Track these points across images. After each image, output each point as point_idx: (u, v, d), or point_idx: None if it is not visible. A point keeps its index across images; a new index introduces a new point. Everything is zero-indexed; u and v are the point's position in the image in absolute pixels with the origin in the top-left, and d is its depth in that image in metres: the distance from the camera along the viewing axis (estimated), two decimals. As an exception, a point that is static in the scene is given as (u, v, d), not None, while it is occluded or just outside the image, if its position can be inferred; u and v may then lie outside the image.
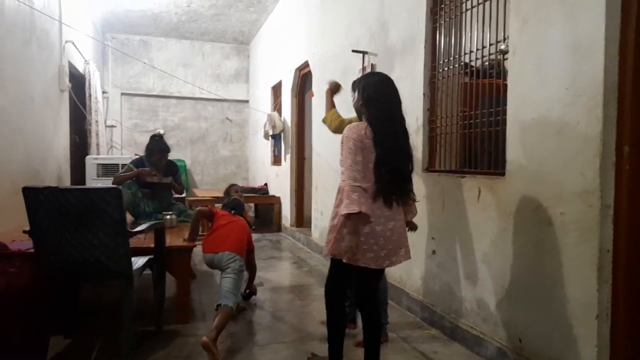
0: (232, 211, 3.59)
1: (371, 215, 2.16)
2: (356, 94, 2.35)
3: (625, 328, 2.04)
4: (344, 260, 2.21)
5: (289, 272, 5.03)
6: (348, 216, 2.09)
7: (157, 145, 4.18)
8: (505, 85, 2.69)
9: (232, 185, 4.15)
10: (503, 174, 2.65)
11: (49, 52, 5.14)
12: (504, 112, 2.67)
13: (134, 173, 4.00)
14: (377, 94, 2.26)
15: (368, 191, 2.17)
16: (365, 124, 2.22)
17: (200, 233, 3.47)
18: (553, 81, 2.29)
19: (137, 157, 4.40)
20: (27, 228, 2.52)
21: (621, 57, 2.03)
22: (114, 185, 3.47)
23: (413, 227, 2.58)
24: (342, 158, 2.19)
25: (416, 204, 2.49)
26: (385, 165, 2.18)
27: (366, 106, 2.27)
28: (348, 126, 2.23)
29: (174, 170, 4.32)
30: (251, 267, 3.82)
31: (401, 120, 2.32)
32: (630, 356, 2.04)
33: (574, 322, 2.17)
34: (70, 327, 2.96)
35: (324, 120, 3.38)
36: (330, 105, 3.34)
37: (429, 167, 3.47)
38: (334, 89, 3.37)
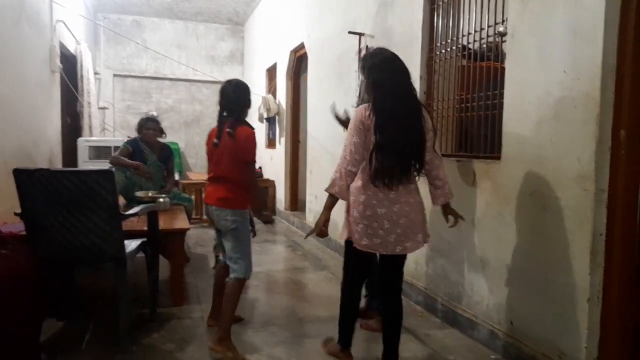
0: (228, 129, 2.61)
1: (373, 197, 2.15)
2: (362, 75, 2.28)
3: (615, 311, 2.06)
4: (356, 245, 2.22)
5: (284, 256, 5.04)
6: (331, 196, 2.19)
7: (146, 118, 4.31)
8: (503, 69, 2.67)
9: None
10: (499, 158, 2.65)
11: (39, 31, 5.04)
12: (501, 96, 2.65)
13: (132, 164, 4.00)
14: (380, 75, 2.17)
15: (365, 172, 2.16)
16: (369, 106, 2.16)
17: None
18: (552, 64, 2.27)
19: (132, 138, 4.38)
20: (19, 211, 2.49)
21: (620, 41, 2.01)
22: (107, 168, 3.44)
23: (450, 212, 2.42)
24: (344, 147, 2.19)
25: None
26: (385, 150, 2.11)
27: (371, 88, 2.19)
28: (358, 106, 2.23)
29: (168, 154, 4.32)
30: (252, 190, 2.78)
31: (410, 100, 2.20)
32: (620, 338, 2.07)
33: (565, 305, 2.19)
34: (64, 311, 2.96)
35: None
36: None
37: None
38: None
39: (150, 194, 3.78)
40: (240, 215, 2.64)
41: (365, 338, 2.79)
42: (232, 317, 2.64)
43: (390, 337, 2.29)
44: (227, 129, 2.58)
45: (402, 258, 2.29)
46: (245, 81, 2.80)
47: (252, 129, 2.65)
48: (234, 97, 2.65)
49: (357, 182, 2.19)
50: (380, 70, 2.17)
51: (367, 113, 2.14)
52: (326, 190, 2.18)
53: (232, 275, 2.62)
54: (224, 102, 2.68)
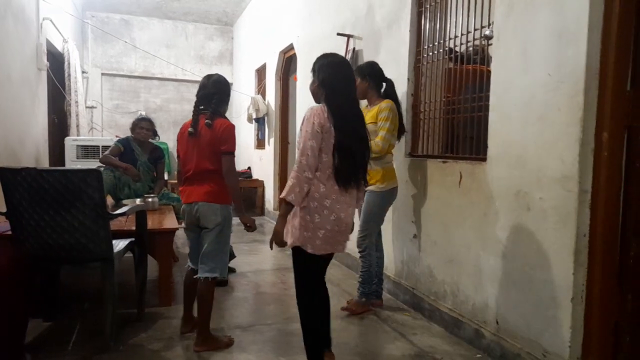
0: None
1: (336, 202, 2.12)
2: (313, 76, 2.26)
3: (598, 310, 2.10)
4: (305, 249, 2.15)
5: (272, 255, 5.04)
6: (284, 200, 2.07)
7: (140, 118, 4.29)
8: (489, 72, 2.70)
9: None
10: (484, 160, 2.68)
11: (25, 29, 4.99)
12: (487, 98, 2.69)
13: (122, 166, 3.99)
14: (335, 76, 2.17)
15: (328, 176, 2.11)
16: (325, 107, 2.11)
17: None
18: (536, 67, 2.31)
19: (123, 137, 4.37)
20: (4, 210, 2.47)
21: (603, 45, 2.05)
22: (95, 167, 3.43)
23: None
24: (298, 140, 2.13)
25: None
26: (346, 150, 2.10)
27: (323, 88, 2.17)
28: (310, 107, 2.14)
29: (159, 155, 4.32)
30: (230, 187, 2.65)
31: (357, 104, 2.25)
32: (603, 337, 2.10)
33: (550, 304, 2.23)
34: (50, 311, 2.94)
35: (389, 151, 3.14)
36: None
37: (412, 152, 3.48)
38: None
39: (137, 202, 3.73)
40: (228, 211, 2.62)
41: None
42: (209, 318, 2.62)
43: (328, 320, 2.33)
44: (206, 120, 2.55)
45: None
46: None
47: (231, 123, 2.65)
48: (213, 90, 2.63)
49: (319, 187, 2.10)
50: (333, 71, 2.18)
51: (326, 115, 2.09)
52: (283, 197, 2.07)
53: (206, 274, 2.55)
54: (201, 94, 2.65)
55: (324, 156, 2.10)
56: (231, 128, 2.60)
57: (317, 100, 2.25)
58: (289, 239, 2.17)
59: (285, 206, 2.10)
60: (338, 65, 2.22)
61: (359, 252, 3.22)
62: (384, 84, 3.22)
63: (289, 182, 2.08)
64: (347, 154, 2.11)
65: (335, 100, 2.13)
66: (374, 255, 3.24)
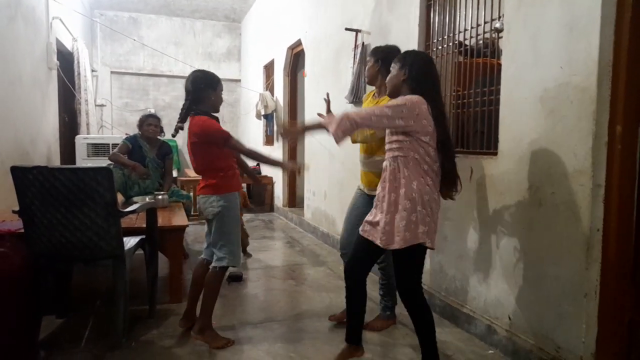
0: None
1: (435, 192, 2.14)
2: (399, 68, 2.20)
3: (612, 306, 2.07)
4: (427, 244, 2.11)
5: (282, 252, 5.05)
6: (343, 124, 2.07)
7: (148, 114, 4.32)
8: (499, 65, 2.67)
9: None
10: (495, 154, 2.65)
11: (35, 29, 5.03)
12: (498, 92, 2.66)
13: (130, 164, 4.01)
14: (431, 72, 2.19)
15: (434, 172, 2.12)
16: (423, 99, 2.08)
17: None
18: (548, 60, 2.28)
19: (131, 135, 4.39)
20: (17, 208, 2.49)
21: (616, 37, 2.01)
22: (105, 165, 3.45)
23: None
24: (379, 110, 2.07)
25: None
26: (450, 145, 2.15)
27: (417, 82, 2.13)
28: (407, 96, 2.10)
29: (167, 151, 4.33)
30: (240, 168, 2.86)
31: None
32: (617, 333, 2.08)
33: (562, 300, 2.20)
34: (63, 308, 2.97)
35: (357, 140, 2.83)
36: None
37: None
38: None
39: (147, 199, 3.75)
40: (226, 200, 2.59)
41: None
42: (212, 309, 2.65)
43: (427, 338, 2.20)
44: (177, 123, 2.66)
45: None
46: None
47: (211, 117, 2.62)
48: (190, 89, 2.64)
49: (427, 180, 2.09)
50: (430, 67, 2.19)
51: (426, 106, 2.06)
52: (333, 130, 2.07)
53: (214, 264, 2.60)
54: (185, 94, 2.68)
55: (431, 150, 2.09)
56: (201, 123, 2.56)
57: (395, 94, 2.21)
58: (397, 240, 2.09)
59: (318, 129, 2.19)
60: (431, 62, 2.25)
61: (377, 262, 2.82)
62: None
63: (346, 123, 2.05)
64: (451, 150, 2.15)
65: (435, 95, 2.14)
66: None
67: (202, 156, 2.63)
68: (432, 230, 2.12)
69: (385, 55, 2.72)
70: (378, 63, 2.76)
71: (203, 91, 2.63)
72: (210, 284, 2.61)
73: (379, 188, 2.25)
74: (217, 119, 2.68)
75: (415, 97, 2.08)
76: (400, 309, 2.46)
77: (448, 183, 2.17)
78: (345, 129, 2.07)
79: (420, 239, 2.08)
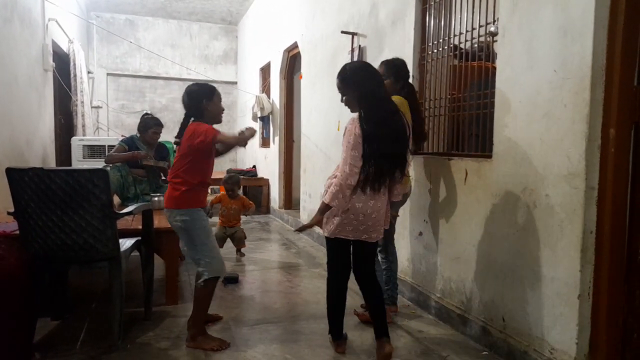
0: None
1: (356, 199, 2.33)
2: (340, 92, 2.43)
3: (606, 307, 2.09)
4: (327, 235, 2.43)
5: (278, 253, 5.06)
6: (327, 205, 2.34)
7: (153, 119, 4.23)
8: (494, 68, 2.69)
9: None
10: (490, 157, 2.67)
11: (31, 30, 5.02)
12: (492, 95, 2.68)
13: (128, 155, 3.98)
14: (364, 83, 2.33)
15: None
16: (357, 119, 2.30)
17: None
18: (542, 64, 2.30)
19: (128, 136, 4.38)
20: (12, 210, 2.49)
21: (610, 41, 2.04)
22: (102, 167, 3.45)
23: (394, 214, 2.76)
24: (343, 149, 2.29)
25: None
26: (375, 158, 2.27)
27: (357, 101, 2.34)
28: (351, 119, 2.31)
29: (165, 153, 4.32)
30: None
31: (388, 99, 2.40)
32: (610, 335, 2.10)
33: (556, 301, 2.22)
34: (59, 310, 2.96)
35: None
36: None
37: (417, 150, 3.48)
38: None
39: (160, 164, 4.06)
40: (188, 214, 2.55)
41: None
42: (203, 321, 2.69)
43: (379, 316, 2.47)
44: (174, 138, 2.71)
45: (374, 244, 2.54)
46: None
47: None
48: (188, 103, 2.69)
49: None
50: (361, 77, 2.34)
51: (357, 126, 2.26)
52: (326, 202, 2.32)
53: (199, 281, 2.60)
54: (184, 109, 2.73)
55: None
56: (193, 127, 2.57)
57: (353, 111, 2.41)
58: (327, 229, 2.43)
59: (324, 206, 2.35)
60: (360, 70, 2.40)
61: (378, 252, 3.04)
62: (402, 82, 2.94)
63: (332, 189, 2.29)
64: (378, 162, 2.28)
65: (367, 107, 2.30)
66: (394, 253, 3.12)
67: (181, 161, 2.58)
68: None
69: (389, 66, 2.94)
70: (391, 79, 2.89)
71: (200, 104, 2.63)
72: (199, 297, 2.62)
73: None
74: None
75: (348, 126, 2.30)
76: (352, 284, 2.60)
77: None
78: (335, 197, 2.30)
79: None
